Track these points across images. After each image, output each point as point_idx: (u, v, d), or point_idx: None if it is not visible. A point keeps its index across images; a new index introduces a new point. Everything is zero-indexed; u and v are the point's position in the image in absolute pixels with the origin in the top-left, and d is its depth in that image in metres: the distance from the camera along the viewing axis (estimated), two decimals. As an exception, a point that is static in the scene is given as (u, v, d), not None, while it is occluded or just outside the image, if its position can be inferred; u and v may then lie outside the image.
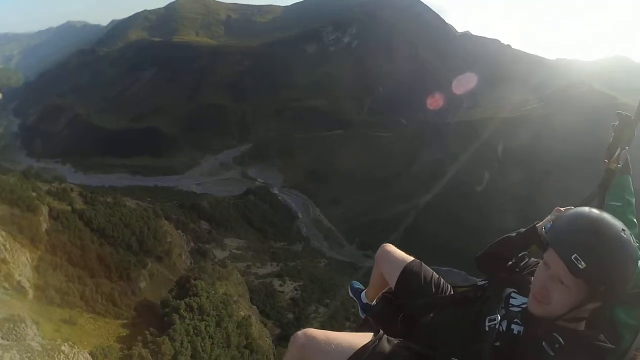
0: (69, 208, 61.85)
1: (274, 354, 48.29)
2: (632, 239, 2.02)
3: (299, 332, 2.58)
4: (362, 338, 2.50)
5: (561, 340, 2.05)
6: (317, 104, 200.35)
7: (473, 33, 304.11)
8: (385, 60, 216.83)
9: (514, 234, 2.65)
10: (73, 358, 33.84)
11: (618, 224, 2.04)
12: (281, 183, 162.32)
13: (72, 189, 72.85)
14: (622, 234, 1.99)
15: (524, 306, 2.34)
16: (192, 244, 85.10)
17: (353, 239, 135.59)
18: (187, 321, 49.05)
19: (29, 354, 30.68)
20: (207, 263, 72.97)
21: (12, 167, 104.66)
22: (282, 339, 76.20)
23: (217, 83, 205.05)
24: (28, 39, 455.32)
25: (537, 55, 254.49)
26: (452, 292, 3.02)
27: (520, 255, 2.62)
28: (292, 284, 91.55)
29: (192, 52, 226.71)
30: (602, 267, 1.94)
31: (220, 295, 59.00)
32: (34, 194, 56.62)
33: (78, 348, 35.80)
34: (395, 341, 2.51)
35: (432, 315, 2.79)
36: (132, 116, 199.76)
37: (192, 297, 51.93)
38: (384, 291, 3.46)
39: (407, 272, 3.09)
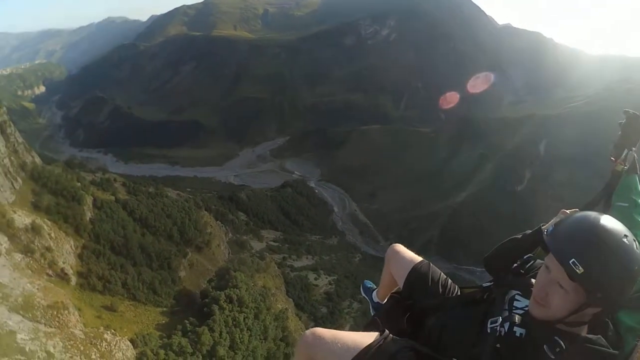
0: (113, 198, 64.18)
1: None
2: (635, 245, 1.98)
3: (307, 332, 2.67)
4: (368, 337, 2.53)
5: (562, 344, 2.05)
6: (354, 98, 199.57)
7: (514, 25, 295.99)
8: (424, 54, 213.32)
9: (519, 236, 2.68)
10: (115, 346, 34.97)
11: (621, 229, 2.00)
12: (318, 176, 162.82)
13: (115, 179, 75.42)
14: (624, 241, 1.95)
15: (527, 309, 2.34)
16: (230, 235, 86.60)
17: (388, 235, 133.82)
18: (227, 312, 49.71)
19: (71, 341, 31.86)
20: (246, 255, 74.35)
21: (56, 157, 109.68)
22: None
23: (256, 76, 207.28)
24: (70, 35, 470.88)
25: (580, 50, 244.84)
26: (459, 293, 3.04)
27: (525, 257, 2.65)
28: (326, 277, 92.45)
29: (231, 46, 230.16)
30: (599, 274, 1.92)
31: (259, 287, 59.78)
32: (79, 184, 59.06)
33: (119, 335, 37.04)
34: (401, 341, 2.53)
35: (438, 315, 2.79)
36: (172, 109, 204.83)
37: (231, 289, 52.76)
38: (392, 291, 3.48)
39: (415, 273, 3.11)
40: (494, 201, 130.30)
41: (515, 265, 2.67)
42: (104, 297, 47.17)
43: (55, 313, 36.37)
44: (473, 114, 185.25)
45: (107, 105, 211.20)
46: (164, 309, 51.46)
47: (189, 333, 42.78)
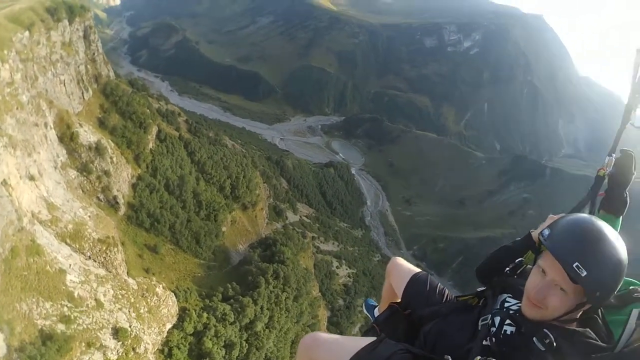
0: (177, 134, 59.28)
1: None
2: (623, 243, 2.06)
3: (307, 336, 2.74)
4: (365, 341, 2.54)
5: (551, 336, 2.06)
6: (418, 100, 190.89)
7: (593, 79, 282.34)
8: (500, 78, 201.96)
9: (510, 243, 2.75)
10: (164, 301, 30.63)
11: (614, 232, 2.07)
12: (360, 165, 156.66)
13: (179, 114, 70.70)
14: (614, 243, 2.01)
15: (517, 309, 2.40)
16: (271, 199, 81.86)
17: (412, 246, 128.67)
18: (271, 288, 45.87)
19: (123, 291, 27.45)
20: (294, 231, 69.70)
21: (115, 70, 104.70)
22: (331, 324, 73.09)
23: (329, 49, 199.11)
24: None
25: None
26: (455, 301, 3.00)
27: (517, 261, 2.68)
28: (347, 269, 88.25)
29: (312, 11, 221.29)
30: (602, 276, 1.95)
31: (302, 269, 55.45)
32: (148, 111, 54.29)
33: (165, 289, 32.67)
34: (397, 344, 2.51)
35: (434, 322, 2.77)
36: (239, 56, 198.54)
37: (279, 264, 48.58)
38: (391, 302, 3.33)
39: (413, 282, 3.14)
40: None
41: (506, 269, 2.70)
42: (148, 235, 43.10)
43: (103, 248, 32.07)
44: (529, 155, 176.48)
45: (176, 34, 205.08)
46: (202, 261, 47.98)
47: (232, 300, 39.55)
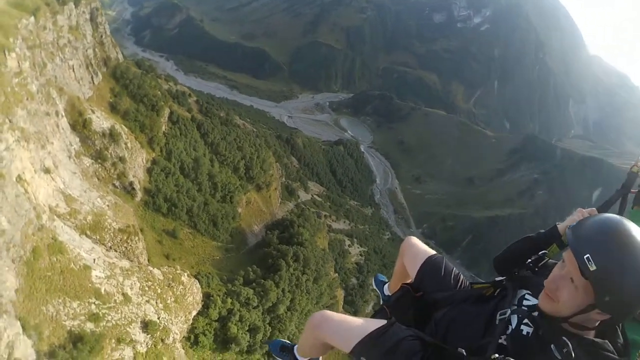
0: (189, 115, 57.78)
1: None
2: None
3: (316, 314, 2.73)
4: (375, 323, 2.51)
5: (570, 345, 1.95)
6: (427, 77, 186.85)
7: (604, 59, 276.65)
8: (510, 55, 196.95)
9: (534, 235, 2.67)
10: (189, 289, 29.96)
11: None
12: (369, 142, 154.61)
13: (190, 94, 69.04)
14: None
15: (535, 311, 2.30)
16: (283, 179, 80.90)
17: (421, 224, 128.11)
18: (292, 271, 45.38)
19: (149, 282, 26.64)
20: (310, 212, 68.95)
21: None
22: (346, 303, 73.09)
23: (336, 25, 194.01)
24: None
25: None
26: (470, 288, 2.92)
27: (540, 253, 2.58)
28: (358, 247, 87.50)
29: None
30: (611, 276, 1.82)
31: (320, 250, 54.90)
32: (159, 93, 52.73)
33: (190, 276, 31.98)
34: (407, 329, 2.48)
35: (446, 309, 2.68)
36: (244, 33, 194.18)
37: (298, 247, 47.96)
38: (403, 282, 3.23)
39: (429, 264, 3.04)
40: (534, 229, 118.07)
41: (528, 262, 2.58)
42: (166, 220, 42.42)
43: (124, 238, 31.18)
44: (539, 134, 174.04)
45: (180, 13, 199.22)
46: (219, 243, 47.61)
47: (254, 284, 39.12)
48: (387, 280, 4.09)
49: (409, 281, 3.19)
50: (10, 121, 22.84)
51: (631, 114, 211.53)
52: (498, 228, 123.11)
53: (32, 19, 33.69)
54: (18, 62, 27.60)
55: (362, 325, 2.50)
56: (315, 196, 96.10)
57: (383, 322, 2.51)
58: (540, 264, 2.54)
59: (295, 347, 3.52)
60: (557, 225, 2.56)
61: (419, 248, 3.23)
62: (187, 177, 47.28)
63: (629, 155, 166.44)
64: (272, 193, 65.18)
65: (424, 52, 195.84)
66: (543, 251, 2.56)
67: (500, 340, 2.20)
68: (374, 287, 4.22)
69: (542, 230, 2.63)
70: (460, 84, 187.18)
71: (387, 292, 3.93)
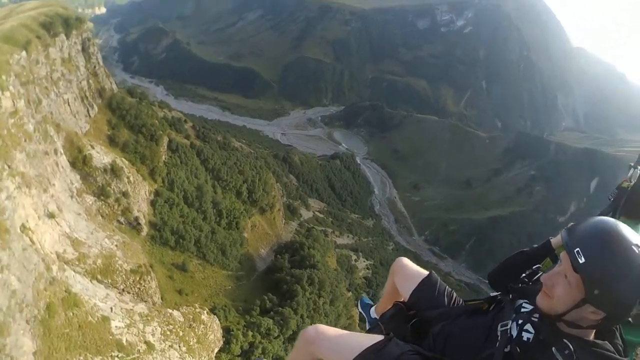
0: (187, 142, 56.41)
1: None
2: None
3: (310, 327, 2.65)
4: (371, 339, 2.49)
5: (571, 347, 2.00)
6: (416, 83, 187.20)
7: (588, 50, 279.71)
8: (495, 55, 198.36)
9: (528, 249, 2.71)
10: (210, 327, 28.38)
11: (634, 239, 1.94)
12: (364, 154, 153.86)
13: (185, 120, 67.76)
14: (634, 249, 1.89)
15: (535, 314, 2.31)
16: (284, 198, 79.58)
17: (423, 231, 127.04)
18: (308, 295, 43.78)
19: (170, 326, 25.08)
20: (318, 232, 67.55)
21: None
22: (361, 321, 71.48)
23: (322, 39, 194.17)
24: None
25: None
26: (464, 305, 2.93)
27: (534, 267, 2.62)
28: (364, 261, 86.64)
29: (301, 2, 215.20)
30: (599, 268, 1.88)
31: (332, 271, 53.44)
32: (156, 121, 51.37)
33: (209, 314, 30.41)
34: (405, 344, 2.47)
35: (443, 324, 2.68)
36: (231, 53, 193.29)
37: (311, 269, 46.43)
38: (396, 300, 3.25)
39: (424, 284, 3.06)
40: (535, 225, 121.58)
41: (523, 276, 2.61)
42: (174, 254, 40.79)
43: (137, 279, 29.55)
44: (530, 130, 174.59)
45: (166, 37, 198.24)
46: (230, 272, 46.04)
47: (271, 312, 37.58)
48: (372, 303, 4.04)
49: (401, 300, 3.16)
50: (9, 167, 21.33)
51: (620, 101, 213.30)
52: (500, 228, 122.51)
53: (23, 53, 32.20)
54: (13, 101, 25.97)
55: (358, 340, 2.47)
56: (317, 213, 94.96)
57: (380, 337, 2.48)
58: (534, 278, 2.54)
59: (372, 308, 3.48)
60: (551, 240, 2.59)
61: (412, 269, 3.24)
62: (191, 207, 45.79)
63: (621, 142, 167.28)
64: (276, 214, 63.81)
65: (410, 59, 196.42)
66: (537, 265, 2.59)
67: (505, 350, 2.20)
68: (360, 310, 4.13)
69: (536, 245, 2.65)
70: (449, 88, 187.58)
71: (373, 314, 3.86)
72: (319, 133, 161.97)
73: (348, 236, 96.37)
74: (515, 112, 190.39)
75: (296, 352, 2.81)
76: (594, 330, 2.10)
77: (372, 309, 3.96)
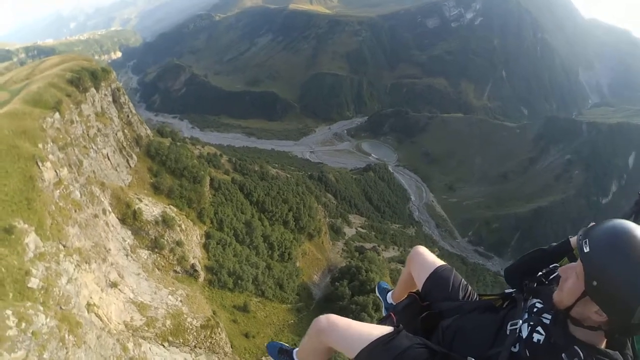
0: (229, 178, 54.83)
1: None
2: None
3: (322, 317, 2.66)
4: (381, 329, 2.49)
5: (581, 354, 1.96)
6: (435, 83, 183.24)
7: (600, 20, 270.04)
8: (510, 42, 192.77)
9: (546, 247, 2.65)
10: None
11: None
12: (395, 161, 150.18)
13: (221, 155, 66.54)
14: None
15: (546, 316, 2.27)
16: (327, 219, 77.27)
17: (466, 232, 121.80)
18: (375, 322, 41.14)
19: None
20: (374, 253, 64.99)
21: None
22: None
23: (335, 53, 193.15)
24: (144, 3, 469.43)
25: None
26: (478, 299, 2.92)
27: (551, 266, 2.57)
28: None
29: (309, 20, 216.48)
30: (600, 260, 1.87)
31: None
32: (196, 162, 49.97)
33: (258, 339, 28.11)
34: (414, 337, 2.46)
35: (454, 318, 2.67)
36: (248, 80, 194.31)
37: (374, 294, 43.90)
38: (410, 291, 3.21)
39: (437, 275, 3.02)
40: (579, 211, 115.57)
41: (539, 274, 2.56)
42: (234, 295, 38.81)
43: (208, 334, 27.44)
44: (558, 114, 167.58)
45: (184, 72, 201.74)
46: (289, 305, 43.62)
47: None
48: (390, 288, 3.98)
49: (415, 290, 3.12)
50: (64, 246, 19.65)
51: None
52: (544, 218, 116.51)
53: (57, 115, 30.38)
54: (55, 171, 24.20)
55: (368, 331, 2.45)
56: (359, 229, 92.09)
57: (390, 329, 2.47)
58: (551, 277, 2.48)
59: (295, 350, 3.39)
60: (570, 239, 2.51)
61: (427, 258, 3.15)
62: (242, 244, 44.05)
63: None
64: (324, 238, 61.63)
65: (425, 59, 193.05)
66: (554, 264, 2.53)
67: (513, 349, 2.16)
68: (377, 294, 4.07)
69: (554, 243, 2.59)
70: (469, 82, 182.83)
71: (389, 300, 3.81)
72: (347, 146, 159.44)
73: (393, 248, 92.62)
74: (540, 96, 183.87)
75: (308, 340, 2.79)
76: (605, 340, 2.05)
77: (389, 294, 3.86)
